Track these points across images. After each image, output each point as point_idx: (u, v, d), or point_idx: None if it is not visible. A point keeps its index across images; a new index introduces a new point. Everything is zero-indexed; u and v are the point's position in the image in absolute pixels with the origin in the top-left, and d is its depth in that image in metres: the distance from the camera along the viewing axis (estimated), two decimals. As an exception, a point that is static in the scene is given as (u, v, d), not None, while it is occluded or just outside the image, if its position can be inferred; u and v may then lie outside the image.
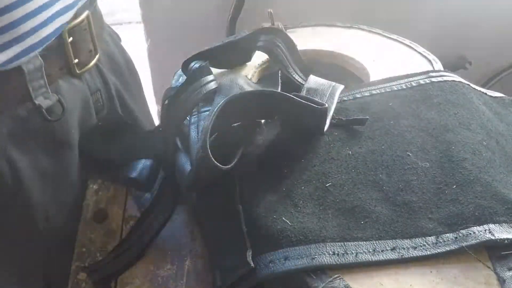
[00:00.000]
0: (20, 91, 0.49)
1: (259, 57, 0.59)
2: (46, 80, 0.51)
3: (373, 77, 0.54)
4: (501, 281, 0.33)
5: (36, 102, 0.50)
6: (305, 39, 0.63)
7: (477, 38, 1.07)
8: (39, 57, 0.50)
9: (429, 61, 0.57)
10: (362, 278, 0.34)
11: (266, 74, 0.59)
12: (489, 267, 0.34)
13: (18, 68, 0.48)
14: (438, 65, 0.56)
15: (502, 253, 0.34)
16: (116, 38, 0.69)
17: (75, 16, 0.54)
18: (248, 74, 0.56)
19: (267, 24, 0.64)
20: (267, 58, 0.59)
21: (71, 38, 0.53)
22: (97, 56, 0.58)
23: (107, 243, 0.51)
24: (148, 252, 0.49)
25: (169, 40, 1.09)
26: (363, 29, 0.65)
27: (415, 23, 1.01)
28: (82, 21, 0.54)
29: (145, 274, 0.48)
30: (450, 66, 0.67)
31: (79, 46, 0.55)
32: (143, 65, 1.29)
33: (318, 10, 0.95)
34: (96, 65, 0.59)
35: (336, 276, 0.33)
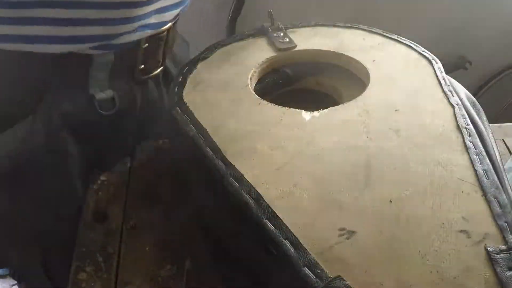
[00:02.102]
0: (81, 78, 0.51)
1: (259, 57, 0.59)
2: (108, 75, 0.53)
3: (373, 77, 0.54)
4: (501, 281, 0.33)
5: (91, 91, 0.52)
6: (305, 39, 0.63)
7: (477, 38, 1.07)
8: (113, 53, 0.52)
9: (429, 60, 0.57)
10: (362, 278, 0.34)
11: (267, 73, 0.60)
12: (489, 267, 0.34)
13: (88, 56, 0.50)
14: (438, 65, 0.56)
15: (502, 253, 0.35)
16: (184, 47, 0.71)
17: None
18: (248, 74, 0.56)
19: (267, 24, 0.65)
20: (267, 58, 0.59)
21: (146, 44, 0.55)
22: (161, 68, 0.60)
23: (107, 243, 0.51)
24: (148, 252, 0.49)
25: (169, 40, 1.09)
26: (363, 29, 0.65)
27: (415, 23, 1.01)
28: (163, 31, 0.56)
29: (145, 274, 0.48)
30: (450, 66, 0.67)
31: (149, 53, 0.56)
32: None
33: (318, 10, 0.96)
34: (157, 75, 0.60)
35: (336, 276, 0.34)
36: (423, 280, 0.33)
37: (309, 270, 0.34)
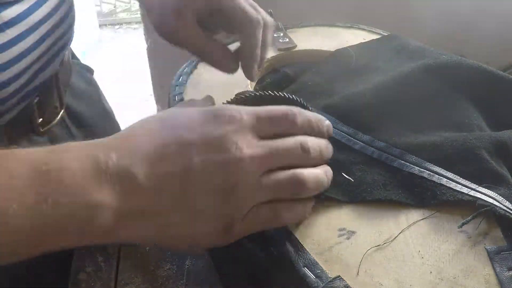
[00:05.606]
0: None
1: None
2: (6, 141, 0.48)
3: (373, 77, 0.54)
4: (501, 281, 0.33)
5: None
6: (305, 39, 0.63)
7: (477, 38, 1.07)
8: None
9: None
10: (362, 278, 0.34)
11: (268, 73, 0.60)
12: (489, 267, 0.34)
13: None
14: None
15: (502, 253, 0.35)
16: (85, 74, 0.66)
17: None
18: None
19: (267, 24, 0.64)
20: (267, 58, 0.59)
21: (37, 99, 0.51)
22: (62, 112, 0.56)
23: (107, 243, 0.51)
24: (148, 252, 0.49)
25: (169, 40, 1.09)
26: (363, 29, 0.65)
27: (415, 23, 1.01)
28: (50, 79, 0.52)
29: (145, 274, 0.48)
30: (450, 66, 0.67)
31: (44, 104, 0.53)
32: (143, 65, 1.29)
33: (318, 10, 0.96)
34: (61, 119, 0.57)
35: (336, 276, 0.34)
36: (423, 280, 0.33)
37: (309, 270, 0.34)
